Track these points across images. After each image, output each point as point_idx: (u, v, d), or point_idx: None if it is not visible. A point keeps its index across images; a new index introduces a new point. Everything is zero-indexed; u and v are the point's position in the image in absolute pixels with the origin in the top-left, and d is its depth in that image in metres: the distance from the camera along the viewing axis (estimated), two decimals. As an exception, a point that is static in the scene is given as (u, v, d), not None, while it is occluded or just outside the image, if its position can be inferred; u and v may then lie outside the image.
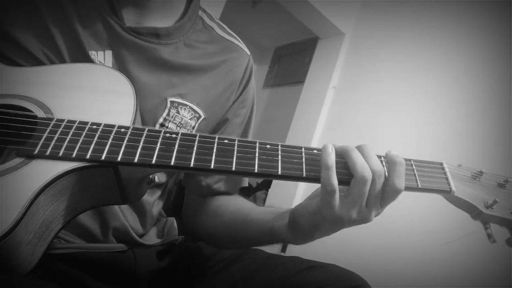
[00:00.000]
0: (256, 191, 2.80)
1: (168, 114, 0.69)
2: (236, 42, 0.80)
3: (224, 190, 0.78)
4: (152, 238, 0.76)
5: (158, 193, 0.76)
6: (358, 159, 0.50)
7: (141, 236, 0.74)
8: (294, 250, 2.22)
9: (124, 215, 0.69)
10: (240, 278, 0.65)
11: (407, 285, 1.64)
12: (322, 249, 2.04)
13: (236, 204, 0.77)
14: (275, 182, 2.55)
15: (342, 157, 0.52)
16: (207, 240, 0.80)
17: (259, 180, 2.98)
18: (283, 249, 2.27)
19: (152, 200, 0.75)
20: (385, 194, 0.52)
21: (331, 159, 0.50)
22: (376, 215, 0.53)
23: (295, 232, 0.60)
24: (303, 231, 0.58)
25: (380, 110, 2.20)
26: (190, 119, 0.71)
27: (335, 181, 0.50)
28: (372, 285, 0.59)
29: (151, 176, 0.71)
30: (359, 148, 0.52)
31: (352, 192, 0.50)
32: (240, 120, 0.79)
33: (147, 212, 0.73)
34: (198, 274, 0.72)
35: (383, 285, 1.61)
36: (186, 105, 0.70)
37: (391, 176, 0.51)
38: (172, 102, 0.69)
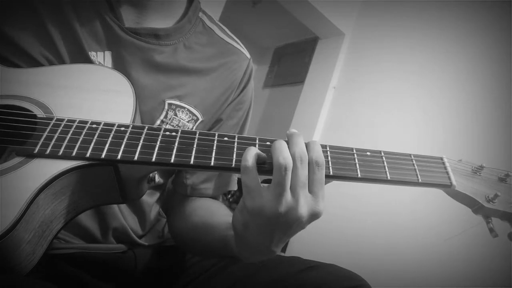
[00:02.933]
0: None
1: (165, 116, 0.68)
2: (236, 45, 0.79)
3: (207, 193, 0.76)
4: (151, 238, 0.76)
5: (158, 194, 0.76)
6: (278, 148, 0.46)
7: (140, 237, 0.74)
8: (294, 250, 2.23)
9: (123, 216, 0.69)
10: (240, 278, 0.65)
11: (407, 284, 1.64)
12: (322, 249, 2.04)
13: (207, 209, 0.72)
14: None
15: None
16: (178, 243, 0.76)
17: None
18: (283, 249, 2.28)
19: (152, 201, 0.74)
20: (310, 176, 0.47)
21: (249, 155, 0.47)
22: (311, 208, 0.47)
23: (237, 241, 0.53)
24: (238, 236, 0.51)
25: (380, 110, 2.20)
26: (188, 121, 0.71)
27: (250, 157, 0.46)
28: (372, 284, 0.59)
29: (151, 175, 0.71)
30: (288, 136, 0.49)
31: (272, 180, 0.46)
32: (234, 122, 0.78)
33: (146, 213, 0.73)
34: (198, 274, 0.72)
35: (383, 285, 1.61)
36: (184, 108, 0.70)
37: (309, 156, 0.47)
38: (170, 104, 0.69)
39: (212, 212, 0.71)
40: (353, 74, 2.51)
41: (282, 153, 0.46)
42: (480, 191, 0.53)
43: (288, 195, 0.45)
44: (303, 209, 0.46)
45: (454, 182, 0.53)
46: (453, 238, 1.38)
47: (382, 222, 1.86)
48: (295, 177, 0.46)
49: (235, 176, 0.79)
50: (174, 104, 0.69)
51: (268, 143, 0.52)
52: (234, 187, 0.80)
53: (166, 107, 0.68)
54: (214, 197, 0.77)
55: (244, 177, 0.46)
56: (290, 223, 0.46)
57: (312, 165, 0.47)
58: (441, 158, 0.55)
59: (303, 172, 0.46)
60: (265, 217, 0.46)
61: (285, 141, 0.49)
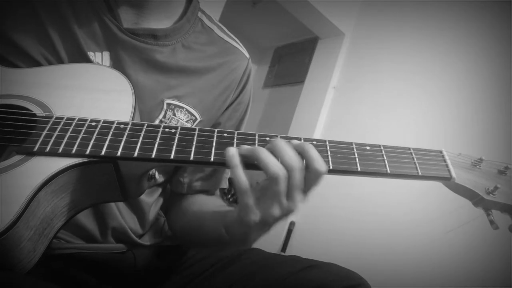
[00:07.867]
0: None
1: (164, 116, 0.68)
2: (235, 44, 0.79)
3: (202, 188, 0.77)
4: (150, 238, 0.76)
5: (157, 194, 0.76)
6: (267, 159, 0.47)
7: (139, 236, 0.74)
8: (294, 250, 2.23)
9: (122, 216, 0.69)
10: (240, 277, 0.65)
11: (406, 284, 1.64)
12: (322, 249, 2.04)
13: (201, 203, 0.76)
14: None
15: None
16: (179, 239, 0.80)
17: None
18: (283, 249, 2.28)
19: (151, 201, 0.74)
20: (308, 181, 0.49)
21: (234, 161, 0.48)
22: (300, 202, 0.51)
23: (236, 243, 0.60)
24: (236, 241, 0.58)
25: (380, 110, 2.20)
26: (186, 121, 0.71)
27: (243, 178, 0.48)
28: (372, 283, 0.59)
29: (151, 172, 0.71)
30: (270, 145, 0.49)
31: (268, 191, 0.48)
32: (232, 123, 0.79)
33: (145, 212, 0.73)
34: (198, 274, 0.72)
35: (382, 284, 1.61)
36: (183, 108, 0.70)
37: (310, 163, 0.48)
38: (168, 104, 0.69)
39: (205, 205, 0.74)
40: (353, 74, 2.50)
41: (274, 164, 0.47)
42: (480, 183, 0.53)
43: (284, 201, 0.48)
44: (297, 206, 0.49)
45: (454, 175, 0.52)
46: (454, 230, 1.38)
47: (382, 222, 1.86)
48: (292, 182, 0.48)
49: (226, 174, 0.81)
50: (173, 104, 0.69)
51: (267, 138, 0.52)
52: (225, 184, 0.82)
53: (165, 107, 0.68)
54: (209, 192, 0.79)
55: (243, 198, 0.49)
56: (285, 217, 0.50)
57: (313, 172, 0.48)
58: (441, 151, 0.55)
59: (300, 177, 0.48)
60: (264, 224, 0.50)
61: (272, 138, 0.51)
